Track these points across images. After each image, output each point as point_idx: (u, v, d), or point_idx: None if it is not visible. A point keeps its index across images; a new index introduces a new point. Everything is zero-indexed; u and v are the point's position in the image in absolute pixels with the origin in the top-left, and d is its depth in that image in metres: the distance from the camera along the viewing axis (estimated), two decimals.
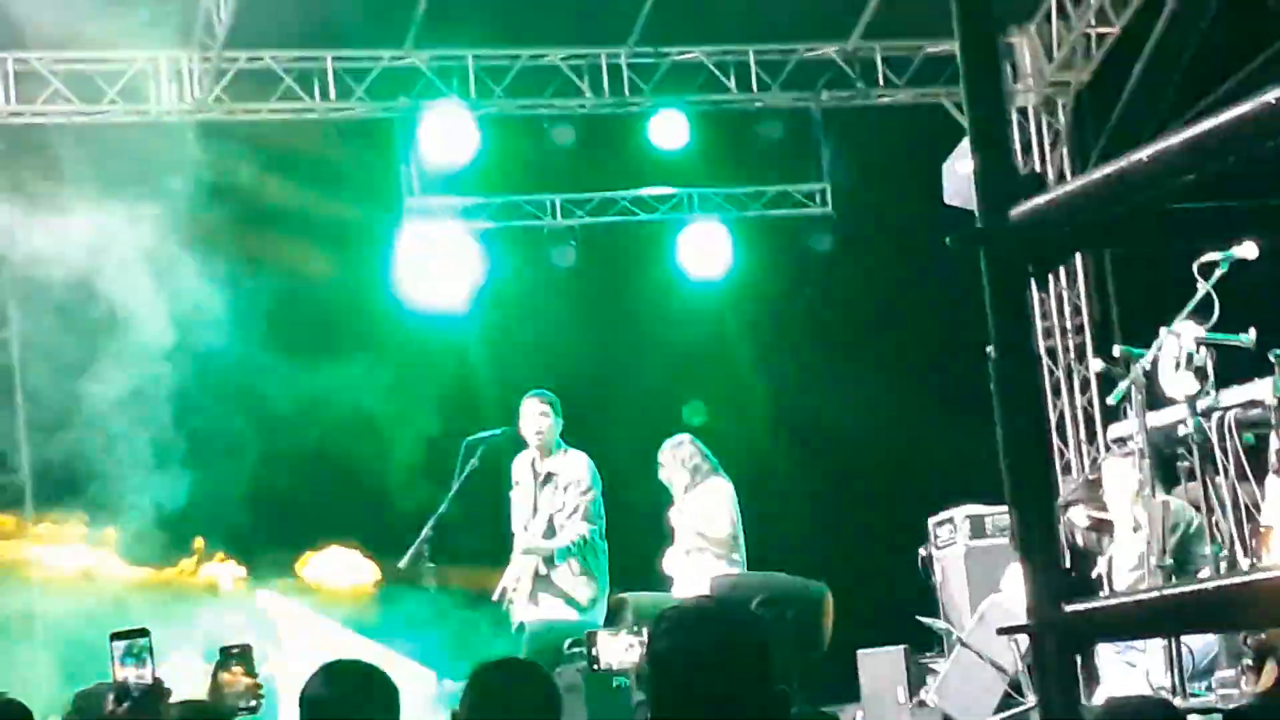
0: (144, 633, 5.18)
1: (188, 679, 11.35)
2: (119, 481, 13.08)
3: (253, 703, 5.51)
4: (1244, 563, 8.81)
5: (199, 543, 12.90)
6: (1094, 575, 10.15)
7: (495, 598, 11.51)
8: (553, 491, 11.46)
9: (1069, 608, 2.99)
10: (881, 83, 15.65)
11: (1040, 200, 2.98)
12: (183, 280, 13.16)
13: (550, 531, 11.45)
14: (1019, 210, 3.03)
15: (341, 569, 12.73)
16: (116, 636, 5.16)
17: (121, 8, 13.33)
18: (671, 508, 11.77)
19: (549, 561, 11.38)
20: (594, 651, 9.43)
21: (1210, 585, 2.75)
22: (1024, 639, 9.69)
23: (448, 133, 14.71)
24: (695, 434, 12.04)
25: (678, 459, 11.74)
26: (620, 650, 9.36)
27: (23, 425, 14.13)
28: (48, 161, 13.44)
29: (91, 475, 13.12)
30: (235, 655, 5.55)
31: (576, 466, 11.45)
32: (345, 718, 5.01)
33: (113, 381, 13.00)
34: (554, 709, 4.98)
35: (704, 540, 11.60)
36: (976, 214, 3.24)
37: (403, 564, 11.40)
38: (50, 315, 13.35)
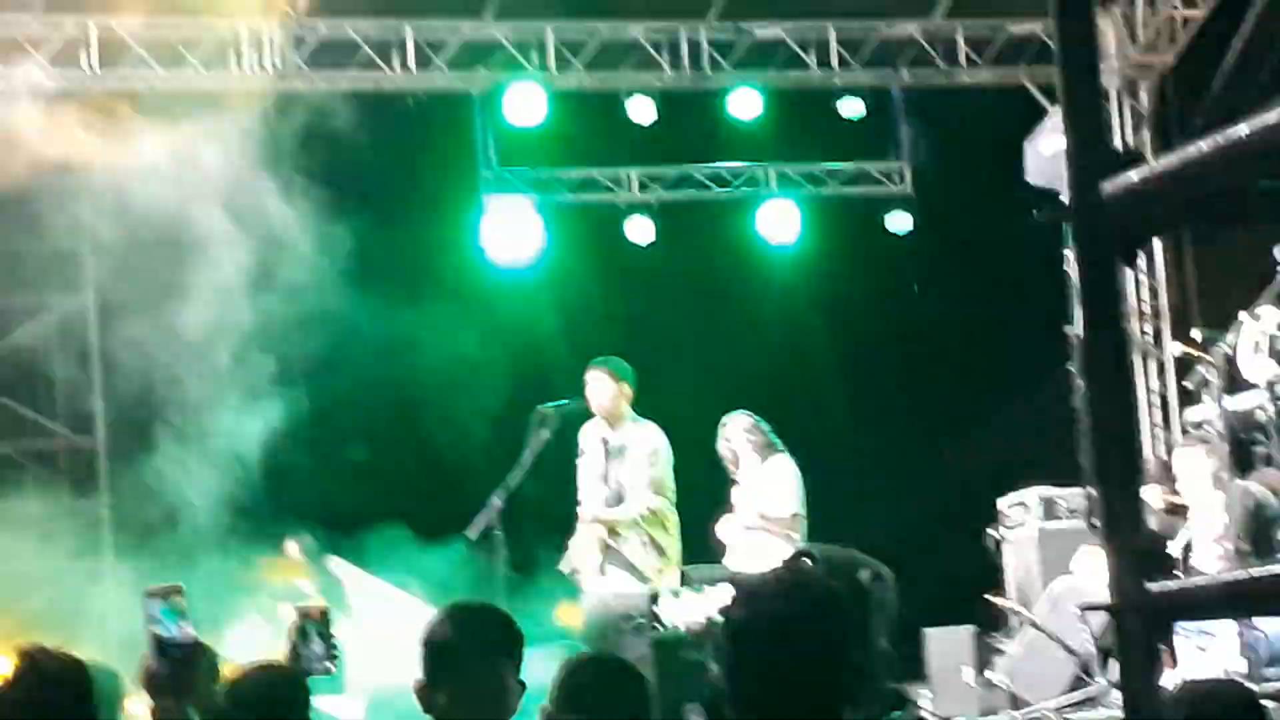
0: (178, 589, 5.12)
1: (252, 642, 11.43)
2: (190, 444, 13.17)
3: (328, 665, 5.50)
4: None
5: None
6: (1169, 557, 10.09)
7: (562, 568, 11.49)
8: (622, 463, 11.42)
9: (1153, 588, 2.96)
10: (963, 62, 15.57)
11: (1134, 176, 2.94)
12: (261, 247, 13.21)
13: (618, 502, 11.41)
14: (1111, 186, 2.98)
15: None
16: (151, 594, 5.10)
17: None
18: (735, 486, 11.70)
19: (614, 533, 11.34)
20: (656, 610, 9.38)
21: None
22: (1096, 621, 9.66)
23: (527, 107, 14.74)
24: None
25: (745, 435, 11.67)
26: (684, 611, 9.31)
27: (99, 390, 14.26)
28: (129, 122, 13.49)
29: (163, 444, 13.21)
30: (312, 618, 5.53)
31: (649, 437, 11.38)
32: (471, 659, 4.80)
33: (192, 344, 13.07)
34: (646, 707, 4.90)
35: (765, 520, 11.50)
36: (1064, 190, 3.20)
37: (471, 533, 11.40)
38: (127, 282, 13.43)
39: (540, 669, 5.16)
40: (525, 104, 14.71)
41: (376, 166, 13.80)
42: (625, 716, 4.83)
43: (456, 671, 4.79)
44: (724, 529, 11.64)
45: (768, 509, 11.48)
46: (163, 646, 4.95)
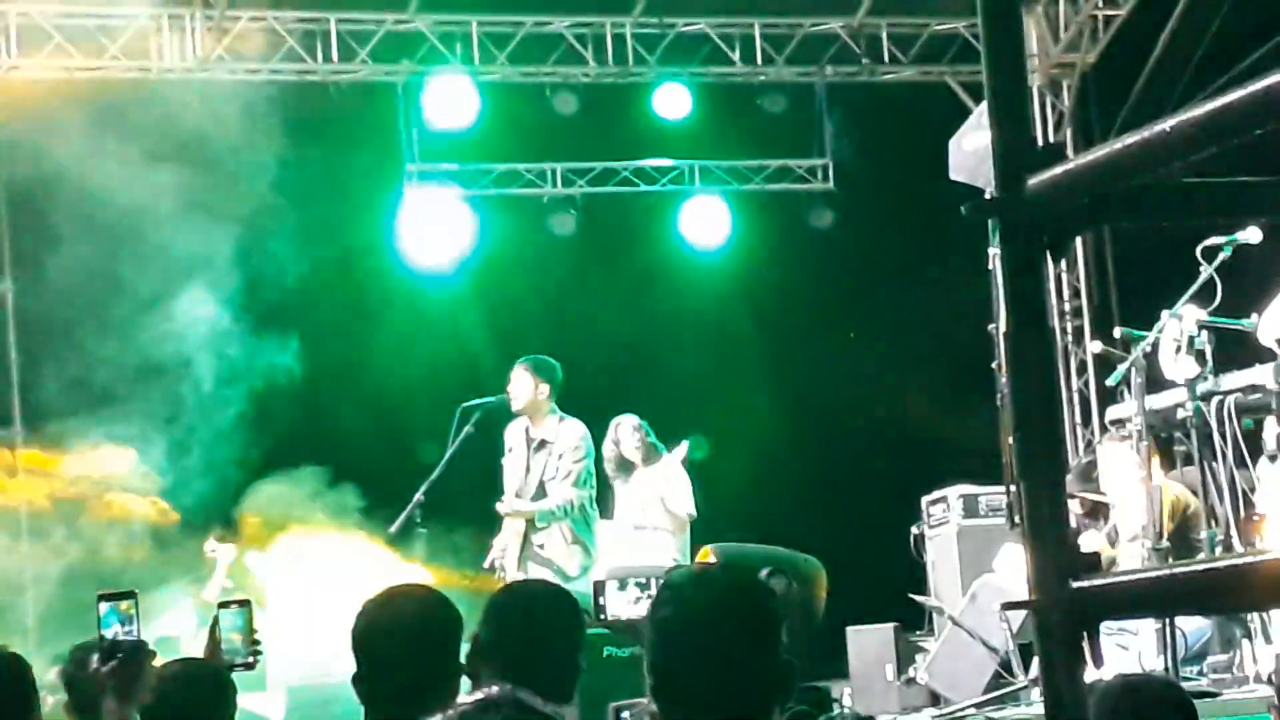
0: (131, 595, 5.13)
1: (172, 638, 11.33)
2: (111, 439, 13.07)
3: (249, 659, 5.47)
4: (1239, 548, 8.78)
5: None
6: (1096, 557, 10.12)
7: (485, 565, 11.47)
8: (545, 458, 11.41)
9: (1076, 584, 2.94)
10: (886, 59, 15.61)
11: (1058, 170, 2.93)
12: (184, 240, 13.11)
13: (540, 496, 11.39)
14: (1036, 180, 2.97)
15: None
16: (104, 597, 5.11)
17: None
18: (621, 487, 11.66)
19: (533, 526, 11.31)
20: (601, 601, 9.34)
21: (1222, 564, 2.71)
22: (1015, 618, 9.68)
23: (450, 99, 14.66)
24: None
25: (634, 436, 11.68)
26: (628, 603, 9.27)
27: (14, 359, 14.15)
28: (50, 114, 13.34)
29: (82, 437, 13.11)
30: (233, 611, 5.51)
31: (571, 434, 11.38)
32: (411, 646, 4.62)
33: (110, 344, 12.97)
34: (579, 624, 4.81)
35: (663, 516, 11.46)
36: (987, 186, 3.19)
37: (394, 528, 11.36)
38: (49, 269, 13.32)
39: None
40: (449, 96, 14.63)
41: (299, 158, 13.69)
42: (558, 636, 4.73)
43: (395, 660, 4.61)
44: (602, 534, 11.59)
45: (672, 505, 11.45)
46: (108, 648, 4.96)
